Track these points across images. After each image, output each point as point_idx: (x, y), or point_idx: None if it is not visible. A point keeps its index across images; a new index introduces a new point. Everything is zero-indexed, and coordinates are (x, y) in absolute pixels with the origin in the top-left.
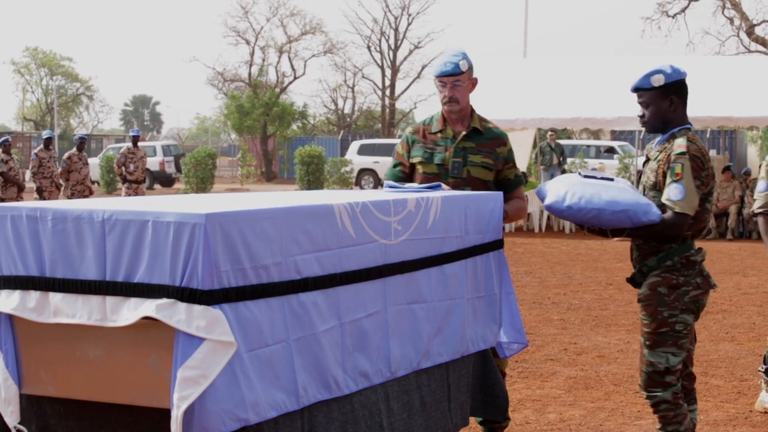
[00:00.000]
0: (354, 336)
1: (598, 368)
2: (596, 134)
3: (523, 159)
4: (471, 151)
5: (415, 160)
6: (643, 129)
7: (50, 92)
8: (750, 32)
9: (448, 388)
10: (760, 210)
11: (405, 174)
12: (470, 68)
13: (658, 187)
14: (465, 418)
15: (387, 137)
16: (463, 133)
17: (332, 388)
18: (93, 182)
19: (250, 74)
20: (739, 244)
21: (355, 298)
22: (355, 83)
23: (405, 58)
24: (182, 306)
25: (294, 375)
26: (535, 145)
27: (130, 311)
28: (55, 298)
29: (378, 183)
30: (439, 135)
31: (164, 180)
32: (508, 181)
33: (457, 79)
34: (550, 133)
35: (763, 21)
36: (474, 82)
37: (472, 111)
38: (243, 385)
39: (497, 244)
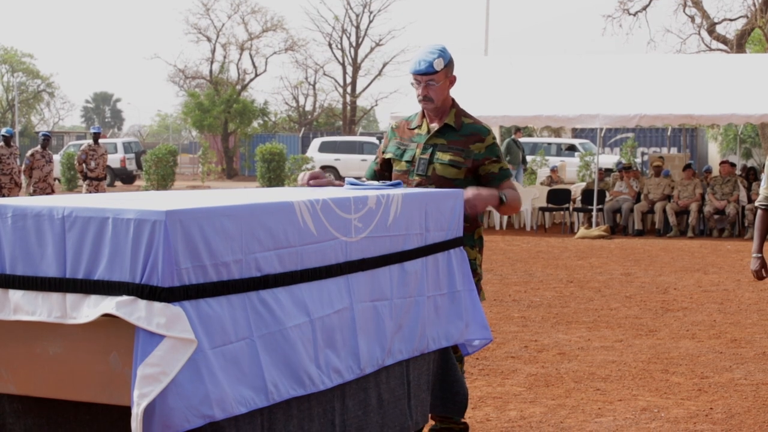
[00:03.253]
0: (324, 332)
1: (558, 365)
2: (557, 132)
3: None
4: (440, 149)
5: (387, 156)
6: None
7: (11, 89)
8: (711, 30)
9: (408, 385)
10: (763, 204)
11: (379, 169)
12: (447, 66)
13: None
14: (425, 416)
15: (348, 134)
16: (435, 129)
17: (306, 384)
18: (55, 179)
19: (211, 71)
20: (700, 241)
21: (320, 295)
22: (316, 80)
23: (366, 56)
24: (142, 303)
25: (262, 371)
26: None
27: (90, 308)
28: (15, 295)
29: (339, 180)
30: (416, 131)
31: (125, 177)
32: (492, 176)
33: (431, 78)
34: (517, 131)
35: (725, 19)
36: (452, 80)
37: (452, 106)
38: (207, 382)
39: (457, 242)
